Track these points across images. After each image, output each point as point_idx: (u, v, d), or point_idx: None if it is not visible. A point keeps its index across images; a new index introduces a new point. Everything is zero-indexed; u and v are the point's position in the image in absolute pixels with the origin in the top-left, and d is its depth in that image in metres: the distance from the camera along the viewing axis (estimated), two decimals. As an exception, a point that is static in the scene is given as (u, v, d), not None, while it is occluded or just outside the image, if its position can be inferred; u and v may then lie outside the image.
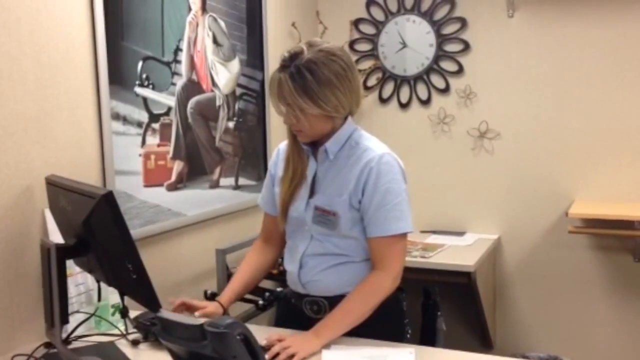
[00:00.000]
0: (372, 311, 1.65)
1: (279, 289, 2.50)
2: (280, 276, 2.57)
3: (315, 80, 1.58)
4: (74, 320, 1.71)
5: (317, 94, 1.58)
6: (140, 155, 2.26)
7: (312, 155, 1.75)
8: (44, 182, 1.77)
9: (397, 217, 1.66)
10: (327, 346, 1.60)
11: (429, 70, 3.37)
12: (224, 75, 2.71)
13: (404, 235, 1.70)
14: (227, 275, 2.48)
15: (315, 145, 1.74)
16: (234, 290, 1.84)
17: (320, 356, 1.56)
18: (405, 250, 1.74)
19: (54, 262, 1.53)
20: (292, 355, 1.52)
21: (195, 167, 2.55)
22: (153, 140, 2.32)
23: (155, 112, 2.32)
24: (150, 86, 2.29)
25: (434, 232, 3.38)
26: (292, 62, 1.59)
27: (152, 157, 2.32)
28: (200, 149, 2.57)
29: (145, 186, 2.28)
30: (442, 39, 3.33)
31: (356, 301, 1.65)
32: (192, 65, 2.51)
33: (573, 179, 3.15)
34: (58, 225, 1.75)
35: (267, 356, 1.49)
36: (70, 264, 1.63)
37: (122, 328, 1.80)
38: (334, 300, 1.69)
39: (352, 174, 1.68)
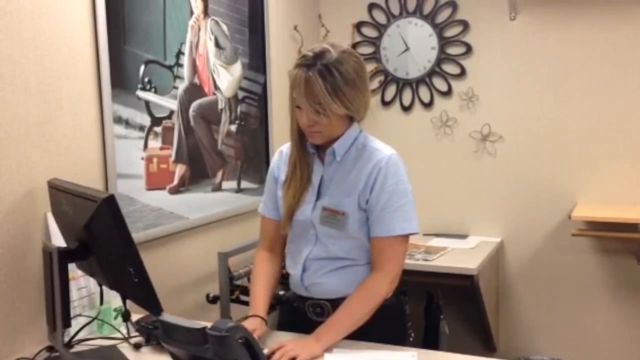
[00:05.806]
0: (372, 314, 1.65)
1: (281, 292, 2.50)
2: (283, 279, 2.57)
3: (343, 80, 1.59)
4: (76, 323, 1.71)
5: (344, 93, 1.60)
6: (142, 158, 2.26)
7: (318, 158, 1.75)
8: (46, 185, 1.77)
9: (402, 217, 1.67)
10: (329, 349, 1.59)
11: (431, 73, 3.37)
12: (226, 78, 2.71)
13: (406, 237, 1.70)
14: (229, 278, 2.47)
15: (320, 148, 1.75)
16: (266, 303, 1.79)
17: (322, 360, 1.56)
18: (406, 252, 1.74)
19: (56, 265, 1.53)
20: (294, 358, 1.52)
21: (198, 171, 2.55)
22: (155, 143, 2.32)
23: (158, 115, 2.33)
24: (153, 90, 2.30)
25: (437, 235, 3.38)
26: (317, 61, 1.58)
27: (155, 160, 2.32)
28: (202, 152, 2.57)
29: (148, 189, 2.29)
30: (444, 42, 3.33)
31: (355, 304, 1.65)
32: (194, 69, 2.51)
33: (576, 182, 3.15)
34: (60, 229, 1.75)
35: (269, 360, 1.49)
36: (72, 268, 1.64)
37: (124, 331, 1.80)
38: (336, 303, 1.69)
39: (362, 175, 1.69)
